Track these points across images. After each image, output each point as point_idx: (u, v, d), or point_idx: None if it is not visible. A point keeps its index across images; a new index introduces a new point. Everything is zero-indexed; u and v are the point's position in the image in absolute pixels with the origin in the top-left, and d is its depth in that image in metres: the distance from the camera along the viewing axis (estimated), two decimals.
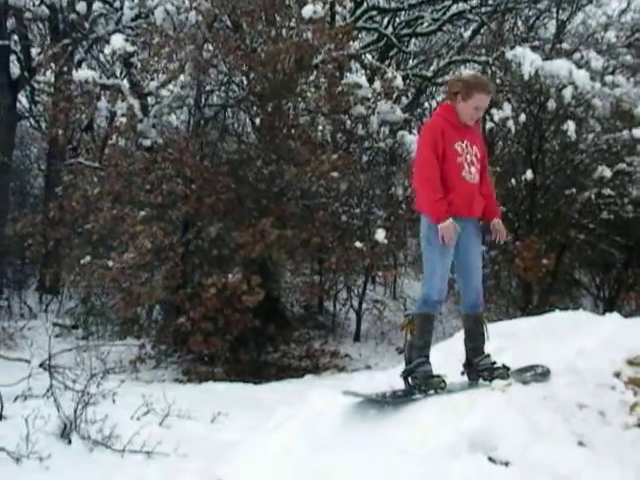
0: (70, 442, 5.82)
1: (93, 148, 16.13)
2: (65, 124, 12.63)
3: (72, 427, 5.94)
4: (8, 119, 16.77)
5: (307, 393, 5.97)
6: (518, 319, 7.33)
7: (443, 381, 4.62)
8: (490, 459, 3.87)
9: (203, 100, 13.24)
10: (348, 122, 12.92)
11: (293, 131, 12.23)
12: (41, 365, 7.75)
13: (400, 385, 4.79)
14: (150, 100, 12.95)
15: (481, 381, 4.76)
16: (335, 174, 11.39)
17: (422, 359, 4.67)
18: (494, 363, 4.79)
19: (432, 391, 4.57)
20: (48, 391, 6.97)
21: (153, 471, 5.29)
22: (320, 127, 13.39)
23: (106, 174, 12.32)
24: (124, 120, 11.82)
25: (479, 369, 4.80)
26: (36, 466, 5.31)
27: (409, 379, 4.68)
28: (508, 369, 4.76)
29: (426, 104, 18.53)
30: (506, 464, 3.84)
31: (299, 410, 5.28)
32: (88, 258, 11.85)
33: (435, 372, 4.71)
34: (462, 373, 4.89)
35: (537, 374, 4.80)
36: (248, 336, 11.04)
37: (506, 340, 5.56)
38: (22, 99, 18.24)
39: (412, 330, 4.70)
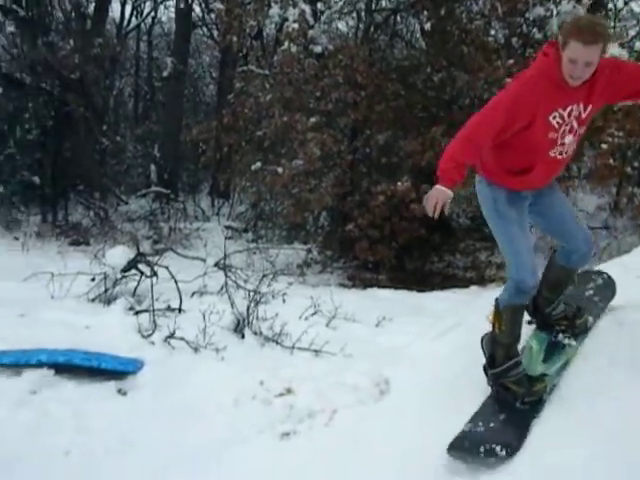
0: (243, 337, 6.12)
1: (263, 55, 16.32)
2: (238, 31, 12.80)
3: (245, 323, 6.24)
4: (183, 28, 17.29)
5: (474, 302, 5.91)
6: None
7: (546, 383, 3.82)
8: None
9: (373, 5, 12.99)
10: (524, 25, 12.25)
11: (465, 36, 11.76)
12: (216, 264, 8.13)
13: None
14: (320, 6, 12.86)
15: (560, 337, 4.17)
16: (510, 80, 10.90)
17: (513, 361, 3.86)
18: (565, 310, 4.23)
19: (536, 398, 3.78)
20: (222, 289, 7.33)
21: (320, 367, 5.45)
22: (494, 31, 12.79)
23: (277, 81, 12.46)
24: (295, 26, 11.80)
25: (554, 319, 4.23)
26: (213, 356, 5.64)
27: (500, 384, 3.87)
28: (581, 311, 4.24)
29: (610, 4, 17.19)
30: None
31: (466, 318, 5.24)
32: (259, 164, 12.15)
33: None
34: (529, 322, 4.31)
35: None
36: (413, 245, 11.03)
37: None
38: (196, 8, 18.66)
39: (500, 324, 3.86)
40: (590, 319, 4.26)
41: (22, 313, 6.22)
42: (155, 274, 7.21)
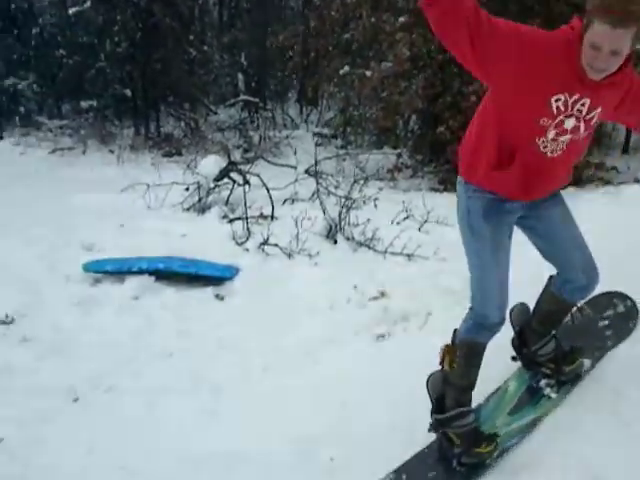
0: (335, 242, 6.17)
1: None
2: None
3: (337, 229, 6.28)
4: None
5: (571, 204, 5.73)
6: None
7: (495, 445, 3.11)
8: None
9: None
10: None
11: None
12: (306, 171, 8.15)
13: None
14: None
15: (542, 383, 3.46)
16: None
17: (461, 410, 3.16)
18: (556, 349, 3.44)
19: (476, 461, 3.11)
20: (313, 195, 7.38)
21: (414, 271, 5.46)
22: None
23: None
24: None
25: (541, 360, 3.46)
26: (306, 261, 5.73)
27: (443, 433, 3.20)
28: (575, 354, 3.44)
29: None
30: None
31: None
32: (347, 68, 11.94)
33: None
34: (513, 359, 3.55)
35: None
36: None
37: None
38: None
39: (452, 360, 3.14)
40: (587, 363, 3.47)
41: (122, 223, 6.43)
42: (247, 182, 7.29)
